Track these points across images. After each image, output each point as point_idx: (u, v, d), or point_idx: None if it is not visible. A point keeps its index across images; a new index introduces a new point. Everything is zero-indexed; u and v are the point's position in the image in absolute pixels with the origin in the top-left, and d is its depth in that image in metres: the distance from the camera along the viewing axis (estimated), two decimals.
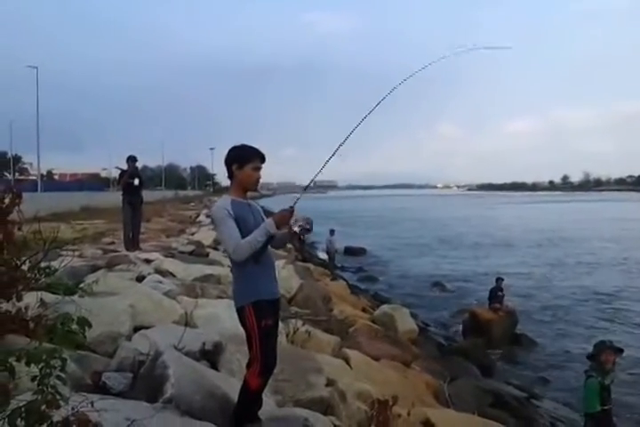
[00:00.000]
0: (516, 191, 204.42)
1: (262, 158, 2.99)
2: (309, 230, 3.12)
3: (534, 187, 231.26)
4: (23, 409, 1.92)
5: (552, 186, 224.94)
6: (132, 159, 9.72)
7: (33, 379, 2.00)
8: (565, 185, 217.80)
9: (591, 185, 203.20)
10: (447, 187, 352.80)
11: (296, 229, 3.02)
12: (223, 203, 2.89)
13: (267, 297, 2.89)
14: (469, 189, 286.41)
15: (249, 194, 3.10)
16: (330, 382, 4.36)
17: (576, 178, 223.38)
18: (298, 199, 2.94)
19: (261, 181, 3.04)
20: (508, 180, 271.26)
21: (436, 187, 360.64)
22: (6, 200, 3.44)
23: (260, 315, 2.83)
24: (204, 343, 4.11)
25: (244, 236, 2.81)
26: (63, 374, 2.08)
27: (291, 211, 2.84)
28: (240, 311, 2.90)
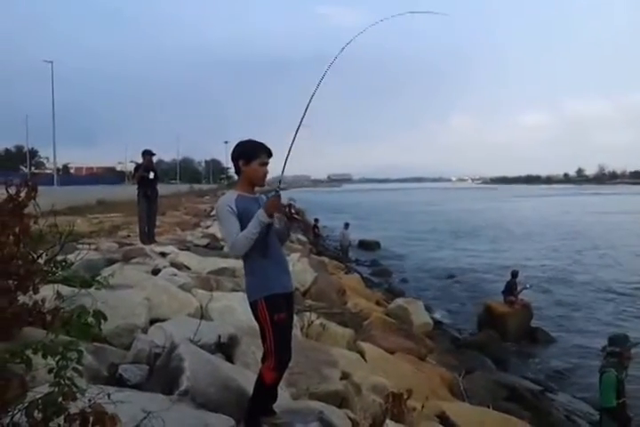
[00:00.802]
0: (530, 184, 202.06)
1: (269, 153, 2.99)
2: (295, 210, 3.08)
3: (549, 180, 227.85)
4: (40, 401, 1.93)
5: (567, 179, 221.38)
6: (148, 153, 9.78)
7: (50, 371, 2.01)
8: (580, 178, 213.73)
9: (606, 178, 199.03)
10: (461, 180, 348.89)
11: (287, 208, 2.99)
12: (226, 199, 2.91)
13: (279, 291, 2.89)
14: (484, 183, 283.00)
15: (263, 188, 3.09)
16: (344, 376, 4.35)
17: (591, 171, 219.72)
18: (280, 182, 2.94)
19: (274, 175, 3.04)
20: (523, 173, 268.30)
21: (450, 180, 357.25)
22: (22, 194, 3.48)
23: (273, 309, 2.83)
24: (219, 336, 4.12)
25: None
26: (80, 367, 2.09)
27: (277, 195, 2.83)
28: (253, 306, 2.90)
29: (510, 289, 13.14)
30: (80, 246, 6.50)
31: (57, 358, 2.04)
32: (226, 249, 10.54)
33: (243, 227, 2.82)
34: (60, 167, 72.61)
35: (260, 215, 2.77)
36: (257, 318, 2.90)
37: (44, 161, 79.75)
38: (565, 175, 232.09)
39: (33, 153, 75.88)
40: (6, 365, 2.09)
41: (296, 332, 5.07)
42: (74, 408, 1.97)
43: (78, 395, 2.01)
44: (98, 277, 4.86)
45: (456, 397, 6.64)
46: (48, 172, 61.50)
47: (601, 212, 49.46)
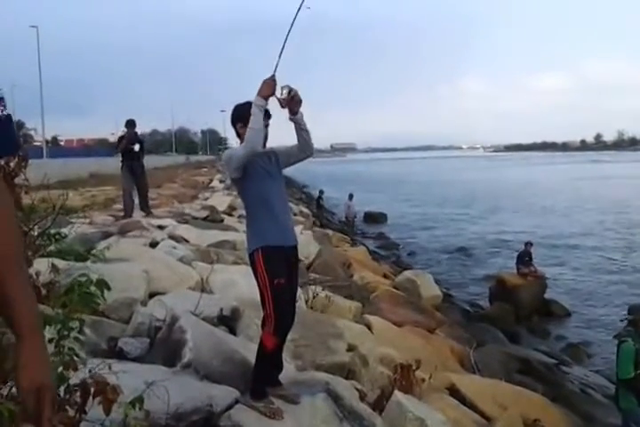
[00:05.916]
0: (545, 151, 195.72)
1: (268, 115, 2.87)
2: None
3: (565, 147, 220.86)
4: None
5: (584, 145, 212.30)
6: (130, 124, 9.30)
7: (50, 341, 1.95)
8: (598, 144, 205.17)
9: (626, 144, 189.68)
10: (473, 148, 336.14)
11: (284, 94, 2.81)
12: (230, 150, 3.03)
13: (275, 243, 2.81)
14: (496, 151, 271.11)
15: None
16: (351, 348, 4.27)
17: (609, 137, 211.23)
18: (277, 65, 2.84)
19: (277, 142, 2.95)
20: (538, 139, 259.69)
21: (460, 148, 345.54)
22: (12, 164, 3.31)
23: (269, 263, 2.75)
24: (221, 309, 4.05)
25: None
26: (81, 336, 2.08)
27: (272, 78, 2.78)
28: (250, 258, 2.85)
29: (523, 260, 12.74)
30: (74, 220, 6.32)
31: (58, 328, 1.99)
32: (227, 222, 10.39)
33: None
34: (49, 139, 70.48)
35: (256, 100, 2.73)
36: (255, 273, 2.81)
37: (32, 133, 77.53)
38: (582, 142, 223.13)
39: (19, 125, 73.51)
40: (3, 335, 1.99)
41: (301, 304, 4.96)
42: (74, 379, 1.94)
43: (79, 366, 1.98)
44: (93, 251, 4.72)
45: (467, 369, 6.53)
46: (36, 144, 59.02)
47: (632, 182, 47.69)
